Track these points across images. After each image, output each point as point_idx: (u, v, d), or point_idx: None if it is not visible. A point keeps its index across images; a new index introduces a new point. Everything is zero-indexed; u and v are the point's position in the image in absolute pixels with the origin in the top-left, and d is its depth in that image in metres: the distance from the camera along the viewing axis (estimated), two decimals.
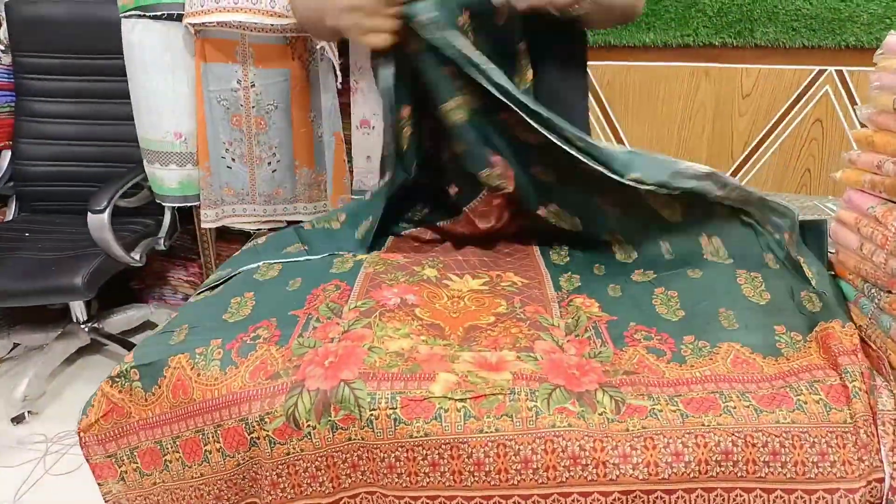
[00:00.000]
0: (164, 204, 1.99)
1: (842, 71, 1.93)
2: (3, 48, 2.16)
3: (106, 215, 1.80)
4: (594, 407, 0.65)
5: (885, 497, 0.61)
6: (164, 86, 1.82)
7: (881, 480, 0.61)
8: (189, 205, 2.00)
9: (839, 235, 0.86)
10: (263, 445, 0.70)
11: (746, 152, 2.08)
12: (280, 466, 0.70)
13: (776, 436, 0.62)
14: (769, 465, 0.62)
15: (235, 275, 0.93)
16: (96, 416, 0.77)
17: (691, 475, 0.62)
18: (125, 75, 1.85)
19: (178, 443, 0.74)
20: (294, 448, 0.69)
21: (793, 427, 0.62)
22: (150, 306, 2.37)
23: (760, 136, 2.06)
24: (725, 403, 0.64)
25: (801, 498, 0.61)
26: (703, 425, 0.63)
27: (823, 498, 0.61)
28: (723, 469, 0.62)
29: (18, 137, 2.16)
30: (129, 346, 2.13)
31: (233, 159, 1.96)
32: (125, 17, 1.75)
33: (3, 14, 2.12)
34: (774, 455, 0.62)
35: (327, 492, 0.70)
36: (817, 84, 1.96)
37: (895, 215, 0.74)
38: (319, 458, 0.69)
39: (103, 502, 1.62)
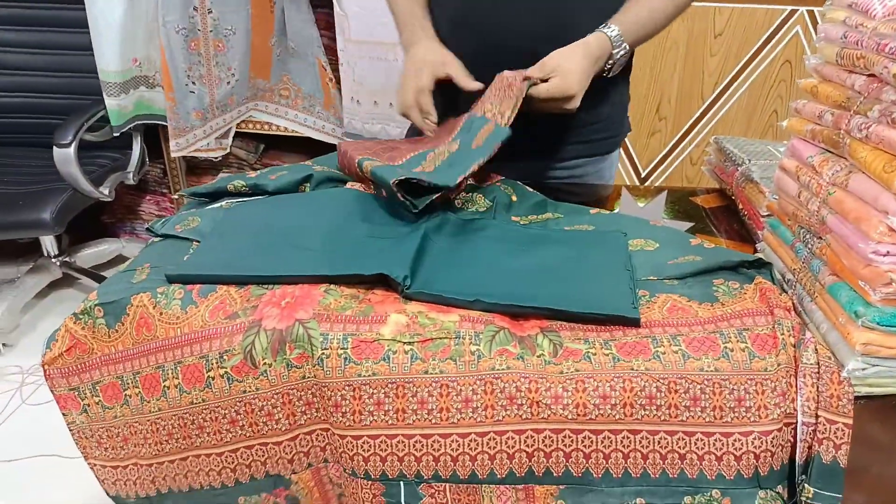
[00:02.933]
0: (125, 133, 1.99)
1: (813, 11, 1.92)
2: None
3: (72, 149, 1.79)
4: (534, 350, 0.69)
5: (797, 441, 0.66)
6: (119, 10, 1.80)
7: (791, 427, 0.66)
8: (140, 122, 2.02)
9: (781, 182, 0.89)
10: (219, 384, 0.73)
11: (717, 92, 2.10)
12: (238, 404, 0.73)
13: (698, 383, 0.66)
14: (689, 409, 0.66)
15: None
16: (59, 350, 0.79)
17: (617, 417, 0.66)
18: (81, 3, 1.80)
19: (138, 378, 0.78)
20: (250, 386, 0.72)
21: (715, 375, 0.66)
22: (121, 240, 2.38)
23: (731, 76, 2.07)
24: (656, 349, 0.68)
25: (720, 440, 0.66)
26: (632, 370, 0.67)
27: (739, 440, 0.66)
28: (647, 412, 0.66)
29: None
30: (101, 280, 2.14)
31: (193, 82, 1.99)
32: None
33: None
34: (694, 401, 0.66)
35: (283, 429, 0.74)
36: (788, 24, 1.96)
37: (830, 164, 0.77)
38: (276, 396, 0.73)
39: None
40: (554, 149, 1.14)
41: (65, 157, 1.79)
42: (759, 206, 1.01)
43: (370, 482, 0.71)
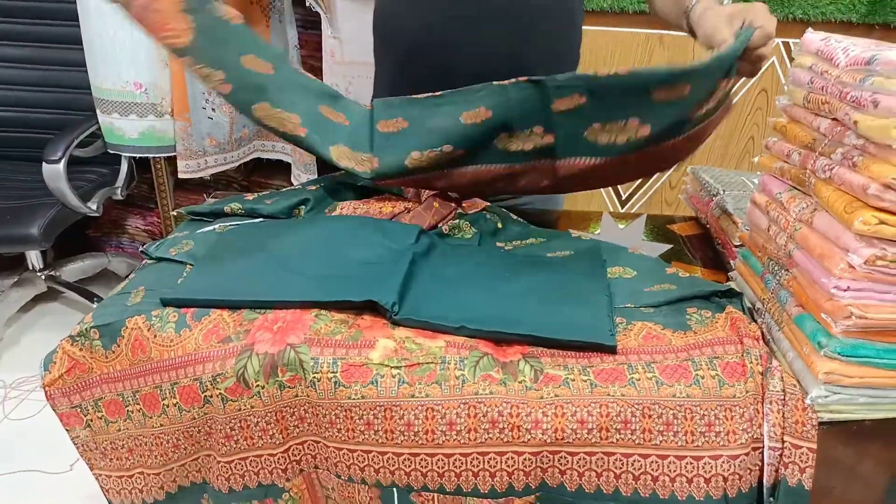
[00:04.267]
0: (120, 154, 1.98)
1: (788, 43, 1.99)
2: None
3: (62, 165, 1.80)
4: (515, 375, 0.72)
5: (764, 464, 0.70)
6: (122, 34, 1.80)
7: (759, 451, 0.70)
8: (149, 156, 2.01)
9: (752, 216, 0.93)
10: (216, 402, 0.76)
11: None
12: (233, 421, 0.76)
13: (671, 408, 0.70)
14: (663, 434, 0.70)
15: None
16: (59, 371, 0.82)
17: (593, 440, 0.70)
18: (76, 20, 1.82)
19: (138, 396, 0.80)
20: (245, 405, 0.75)
21: (687, 401, 0.70)
22: (107, 255, 2.38)
23: None
24: (631, 375, 0.72)
25: (691, 463, 0.70)
26: (608, 395, 0.70)
27: (709, 463, 0.70)
28: (622, 436, 0.70)
29: None
30: (86, 294, 2.15)
31: (213, 109, 1.99)
32: None
33: None
34: (668, 426, 0.70)
35: (277, 442, 0.77)
36: None
37: (796, 202, 0.82)
38: (269, 414, 0.76)
39: (62, 446, 1.68)
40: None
41: (54, 173, 1.80)
42: (732, 235, 1.06)
43: (367, 486, 0.76)
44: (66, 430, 0.85)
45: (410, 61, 1.13)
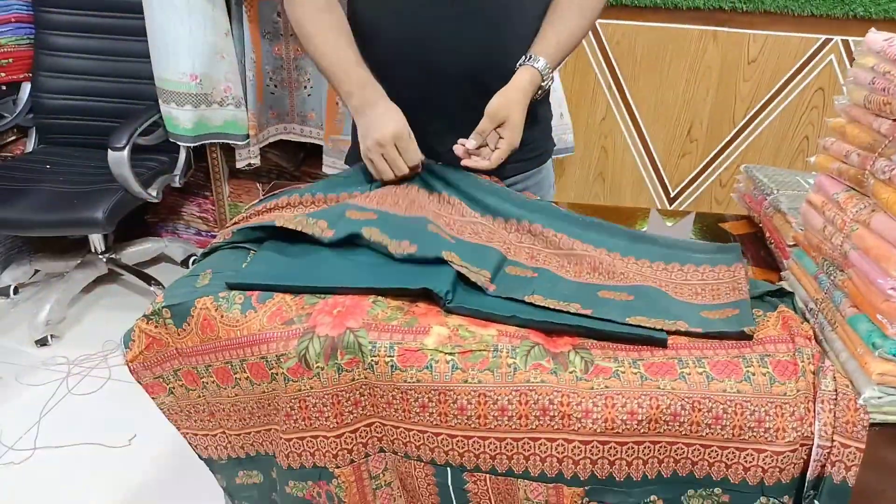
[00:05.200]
0: (178, 143, 2.06)
1: (847, 41, 1.95)
2: None
3: (126, 153, 1.88)
4: (566, 366, 0.74)
5: (811, 463, 0.70)
6: (181, 28, 1.87)
7: (806, 447, 0.71)
8: (201, 143, 2.08)
9: (808, 216, 0.93)
10: (280, 380, 0.80)
11: (748, 117, 2.13)
12: (293, 401, 0.80)
13: (721, 403, 0.71)
14: (710, 427, 0.71)
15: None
16: (139, 348, 0.87)
17: (642, 431, 0.72)
18: (142, 13, 1.90)
19: (210, 370, 0.85)
20: (305, 385, 0.79)
21: (737, 396, 0.71)
22: (164, 240, 2.47)
23: (763, 101, 2.10)
24: (682, 370, 0.73)
25: (733, 453, 0.71)
26: (658, 388, 0.72)
27: (752, 455, 0.71)
28: (669, 427, 0.71)
29: (38, 70, 2.21)
30: (145, 277, 2.24)
31: (276, 85, 2.12)
32: None
33: None
34: (717, 419, 0.71)
35: (331, 426, 0.81)
36: (822, 53, 1.99)
37: (854, 202, 0.82)
38: (326, 396, 0.79)
39: (122, 421, 1.76)
40: (495, 171, 1.14)
41: (118, 160, 1.88)
42: (785, 235, 1.05)
43: (422, 464, 0.79)
44: (152, 397, 0.91)
45: (394, 60, 1.13)
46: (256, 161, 2.15)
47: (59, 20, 2.18)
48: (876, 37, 0.84)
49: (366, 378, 0.77)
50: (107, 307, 2.27)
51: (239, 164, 2.15)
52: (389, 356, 0.76)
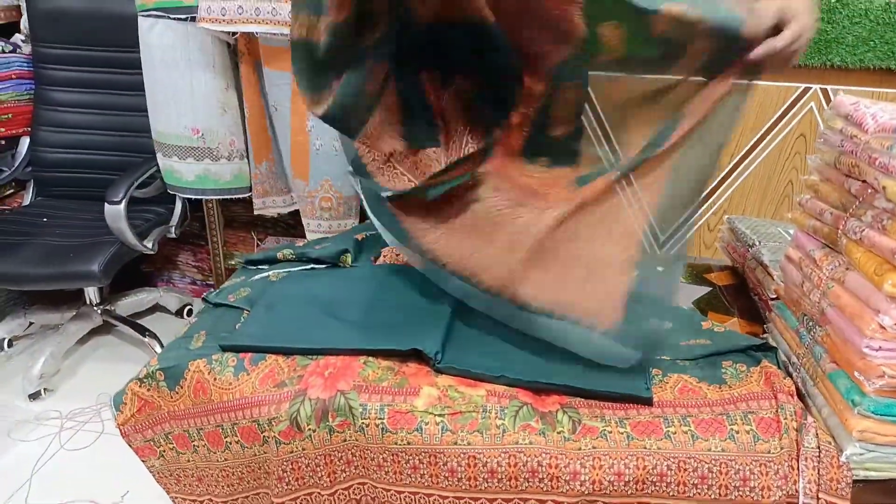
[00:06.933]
0: (178, 195, 2.08)
1: (826, 89, 2.01)
2: (23, 38, 2.25)
3: (122, 206, 1.89)
4: (554, 426, 0.76)
5: None
6: (182, 83, 1.90)
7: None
8: (205, 197, 2.10)
9: (787, 271, 0.96)
10: (272, 443, 0.81)
11: (732, 163, 2.17)
12: (285, 463, 0.81)
13: (706, 462, 0.73)
14: (697, 486, 0.73)
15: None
16: (130, 411, 0.88)
17: (629, 492, 0.73)
18: (139, 69, 1.94)
19: (202, 433, 0.86)
20: (297, 447, 0.80)
21: (722, 455, 0.73)
22: (158, 290, 2.48)
23: (746, 148, 2.14)
24: (667, 428, 0.75)
25: None
26: (645, 448, 0.73)
27: None
28: (657, 488, 0.73)
29: (37, 125, 2.25)
30: (139, 329, 2.24)
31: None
32: (143, 15, 1.83)
33: (25, 5, 2.20)
34: (702, 479, 0.73)
35: (325, 485, 0.82)
36: (802, 101, 2.04)
37: (829, 260, 0.84)
38: (319, 457, 0.80)
39: (115, 478, 1.73)
40: None
41: (115, 213, 1.90)
42: (767, 288, 1.08)
43: None
44: (142, 460, 0.92)
45: None
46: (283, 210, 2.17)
47: (58, 76, 2.23)
48: (843, 100, 0.88)
49: (356, 440, 0.78)
50: (101, 359, 2.26)
51: (257, 211, 2.14)
52: (380, 418, 0.78)
